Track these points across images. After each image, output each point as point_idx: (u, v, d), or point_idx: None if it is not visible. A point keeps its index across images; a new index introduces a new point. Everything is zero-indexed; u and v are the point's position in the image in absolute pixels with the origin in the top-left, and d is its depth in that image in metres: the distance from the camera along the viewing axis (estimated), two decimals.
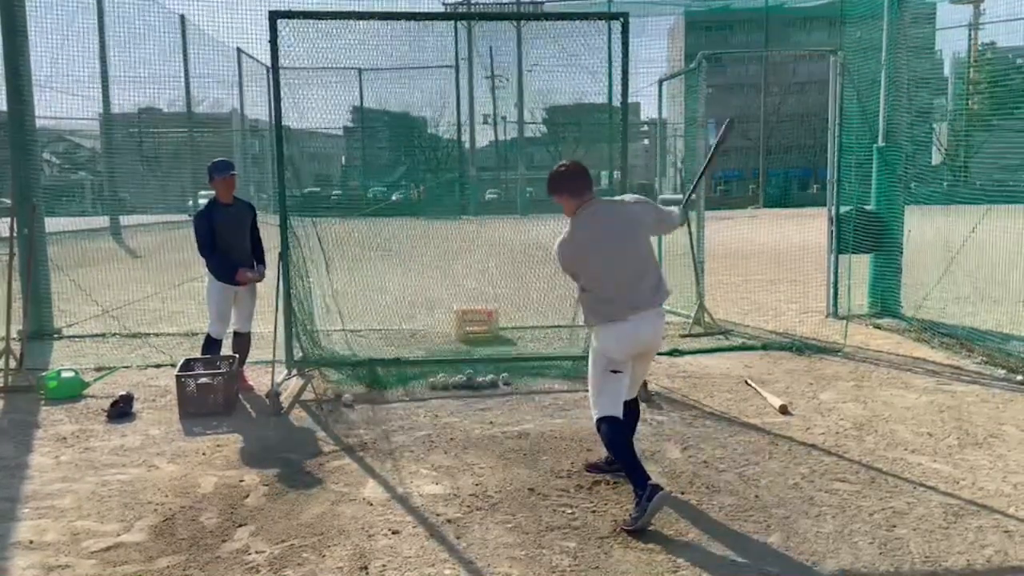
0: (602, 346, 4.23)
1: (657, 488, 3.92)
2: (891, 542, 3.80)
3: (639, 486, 3.97)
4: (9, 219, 7.91)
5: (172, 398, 6.29)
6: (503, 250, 10.55)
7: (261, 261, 6.85)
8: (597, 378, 4.28)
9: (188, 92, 21.69)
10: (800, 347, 7.99)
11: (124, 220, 19.38)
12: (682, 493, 4.40)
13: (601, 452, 4.82)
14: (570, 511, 4.21)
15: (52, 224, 10.98)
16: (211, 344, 6.71)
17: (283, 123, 6.92)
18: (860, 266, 9.60)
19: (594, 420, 4.26)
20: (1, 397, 6.67)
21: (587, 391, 4.40)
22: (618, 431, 4.19)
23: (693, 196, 4.91)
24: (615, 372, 4.22)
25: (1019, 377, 6.75)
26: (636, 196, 4.45)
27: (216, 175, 6.50)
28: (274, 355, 6.67)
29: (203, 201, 6.69)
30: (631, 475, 4.06)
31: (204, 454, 5.22)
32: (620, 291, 4.15)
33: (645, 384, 6.28)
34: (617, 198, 4.48)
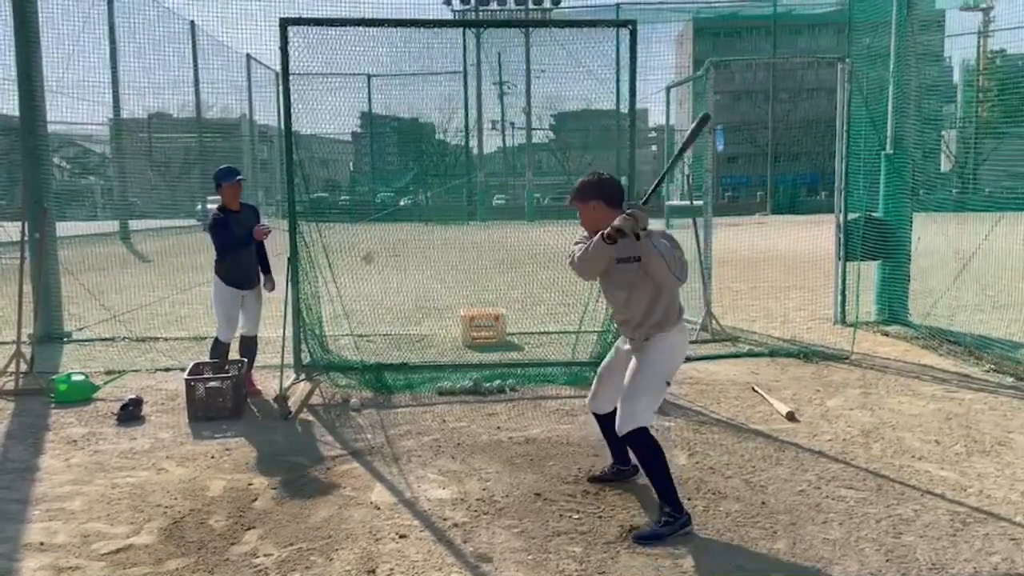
0: (679, 351, 4.16)
1: (690, 520, 3.98)
2: (898, 549, 3.80)
3: (676, 507, 3.96)
4: (20, 223, 7.96)
5: (181, 402, 6.32)
6: (510, 255, 10.60)
7: (267, 271, 6.84)
8: (656, 388, 4.09)
9: (198, 98, 21.84)
10: (807, 354, 7.98)
11: (133, 224, 19.51)
12: (688, 499, 4.40)
13: (607, 458, 4.83)
14: (577, 516, 4.22)
15: (62, 228, 11.07)
16: (219, 348, 6.75)
17: (292, 128, 6.97)
18: (868, 273, 9.59)
19: (629, 429, 4.01)
20: (11, 400, 6.72)
21: None
22: (658, 445, 4.07)
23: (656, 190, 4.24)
24: (668, 383, 4.17)
25: None
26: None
27: (223, 181, 6.51)
28: (282, 359, 6.71)
29: (211, 206, 6.71)
30: (669, 492, 3.99)
31: (213, 457, 5.24)
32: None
33: None
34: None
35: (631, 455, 4.52)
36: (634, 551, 3.80)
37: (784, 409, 6.03)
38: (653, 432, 4.11)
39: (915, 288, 9.38)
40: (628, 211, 3.82)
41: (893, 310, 9.56)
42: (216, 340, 6.77)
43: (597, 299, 7.46)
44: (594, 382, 4.54)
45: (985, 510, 4.23)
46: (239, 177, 6.59)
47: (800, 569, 3.63)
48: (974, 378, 7.08)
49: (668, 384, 4.16)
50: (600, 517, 4.20)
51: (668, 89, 12.63)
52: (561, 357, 7.77)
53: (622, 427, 4.03)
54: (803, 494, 4.48)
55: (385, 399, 6.63)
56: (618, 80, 7.58)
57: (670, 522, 3.94)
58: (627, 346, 4.27)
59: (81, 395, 6.65)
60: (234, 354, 6.81)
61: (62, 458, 5.27)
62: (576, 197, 4.12)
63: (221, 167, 6.65)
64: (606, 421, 4.46)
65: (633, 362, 4.13)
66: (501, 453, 5.24)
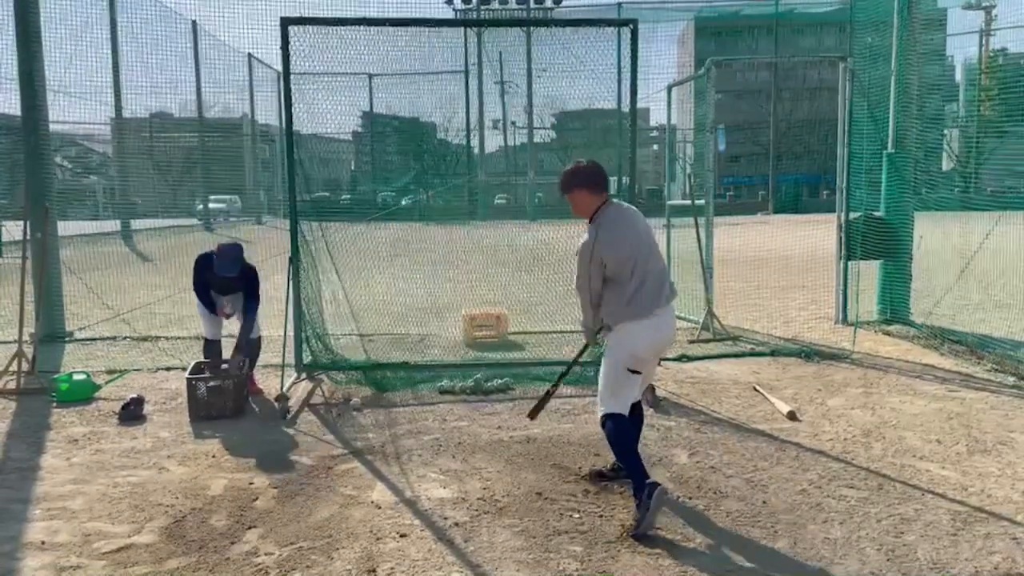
0: (630, 343, 4.19)
1: (655, 485, 3.94)
2: (899, 549, 3.79)
3: (639, 487, 3.99)
4: (22, 223, 7.98)
5: (182, 401, 6.33)
6: (512, 255, 10.59)
7: (243, 331, 6.59)
8: (613, 378, 4.23)
9: (199, 97, 21.84)
10: (809, 353, 7.98)
11: (135, 224, 19.50)
12: (689, 498, 4.41)
13: (608, 459, 4.84)
14: (577, 515, 4.22)
15: (64, 228, 11.08)
16: (209, 346, 6.77)
17: (293, 128, 6.98)
18: (869, 273, 9.58)
19: (600, 416, 4.28)
20: (13, 400, 6.73)
21: (594, 396, 4.41)
22: (624, 428, 4.22)
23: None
24: (634, 372, 4.23)
25: None
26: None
27: (217, 270, 6.31)
28: (284, 359, 6.71)
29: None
30: (632, 474, 4.08)
31: (214, 457, 5.25)
32: (649, 287, 4.18)
33: (653, 389, 6.30)
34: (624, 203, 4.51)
35: None
36: (635, 550, 3.80)
37: (785, 408, 6.03)
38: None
39: (917, 287, 9.38)
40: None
41: (895, 309, 9.56)
42: (205, 340, 6.80)
43: None
44: None
45: (986, 509, 4.23)
46: (227, 275, 6.32)
47: (801, 568, 3.63)
48: (976, 378, 7.07)
49: (634, 372, 4.24)
50: (601, 516, 4.20)
51: (669, 88, 12.61)
52: (562, 356, 7.76)
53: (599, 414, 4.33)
54: (804, 493, 4.48)
55: (386, 398, 6.64)
56: (619, 79, 7.57)
57: (642, 502, 3.94)
58: None
59: (82, 394, 6.66)
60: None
61: (63, 457, 5.27)
62: (561, 189, 4.35)
63: (222, 258, 6.33)
64: None
65: None
66: (502, 452, 5.24)
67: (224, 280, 6.43)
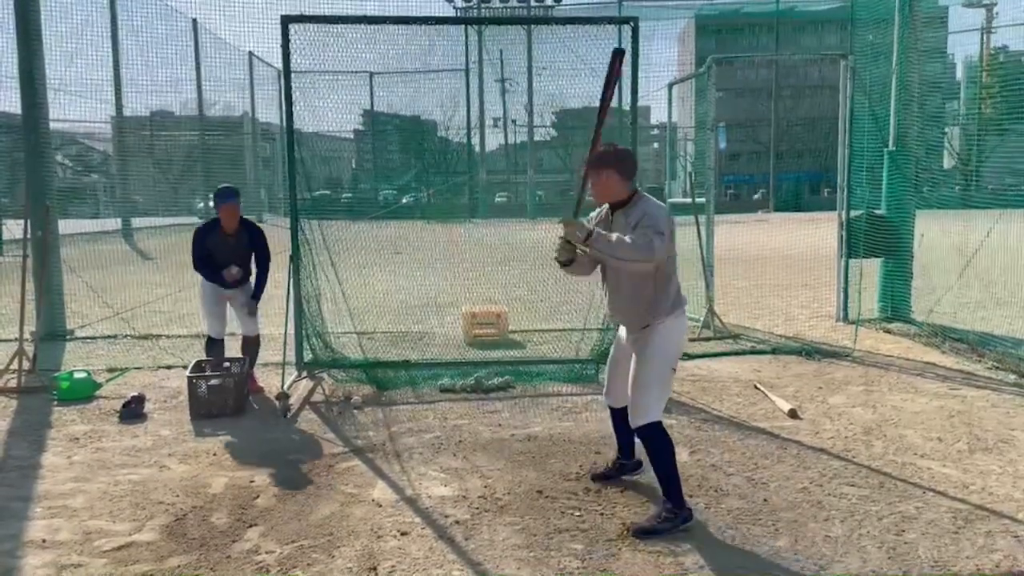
0: (675, 339, 4.07)
1: (691, 511, 4.01)
2: (900, 547, 3.79)
3: (678, 503, 3.98)
4: (23, 221, 7.97)
5: (183, 399, 6.33)
6: (512, 252, 10.59)
7: (255, 295, 6.65)
8: (663, 380, 4.04)
9: (200, 95, 21.82)
10: (810, 351, 7.97)
11: (136, 222, 19.50)
12: (690, 496, 4.40)
13: (608, 457, 4.83)
14: (578, 513, 4.22)
15: (65, 226, 11.07)
16: (212, 344, 6.76)
17: (294, 126, 6.97)
18: (870, 270, 9.58)
19: (643, 423, 4.00)
20: (14, 398, 6.73)
21: (595, 395, 4.40)
22: (669, 437, 4.07)
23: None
24: (674, 370, 4.14)
25: None
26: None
27: (218, 201, 6.37)
28: (284, 357, 6.71)
29: (213, 204, 6.63)
30: (672, 484, 4.01)
31: (214, 455, 5.25)
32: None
33: None
34: None
35: (635, 451, 4.53)
36: (636, 548, 3.80)
37: (786, 406, 6.03)
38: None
39: (918, 285, 9.38)
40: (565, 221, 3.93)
41: (896, 307, 9.56)
42: (208, 337, 6.79)
43: (603, 298, 7.44)
44: (606, 376, 4.52)
45: (987, 507, 4.22)
46: (232, 200, 6.37)
47: (802, 567, 3.63)
48: (976, 375, 7.07)
49: (674, 371, 4.12)
50: (602, 514, 4.20)
51: (670, 86, 12.63)
52: (563, 354, 7.76)
53: (634, 421, 4.04)
54: (805, 491, 4.48)
55: (386, 397, 6.64)
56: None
57: (670, 519, 3.96)
58: (626, 336, 4.26)
59: (83, 393, 6.66)
60: (237, 352, 6.82)
61: (64, 455, 5.27)
62: (591, 165, 4.06)
63: (220, 186, 6.49)
64: (619, 414, 4.43)
65: (635, 355, 4.10)
66: (503, 450, 5.24)
67: (233, 241, 6.45)
